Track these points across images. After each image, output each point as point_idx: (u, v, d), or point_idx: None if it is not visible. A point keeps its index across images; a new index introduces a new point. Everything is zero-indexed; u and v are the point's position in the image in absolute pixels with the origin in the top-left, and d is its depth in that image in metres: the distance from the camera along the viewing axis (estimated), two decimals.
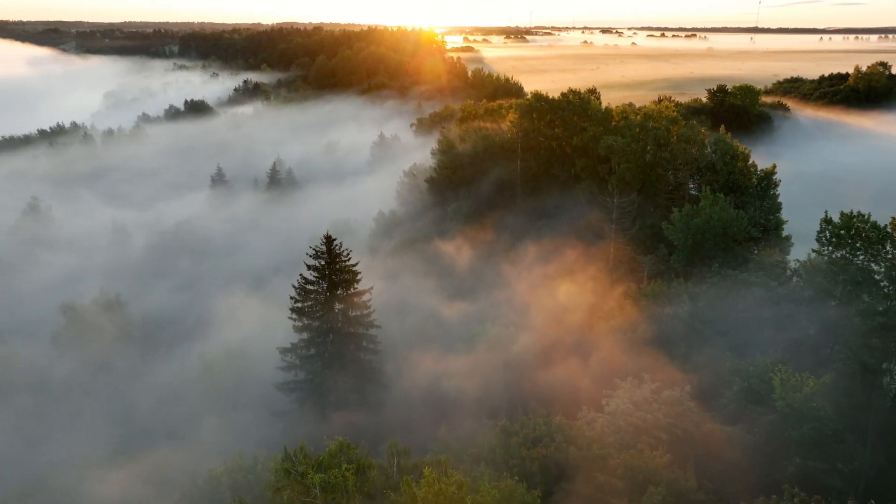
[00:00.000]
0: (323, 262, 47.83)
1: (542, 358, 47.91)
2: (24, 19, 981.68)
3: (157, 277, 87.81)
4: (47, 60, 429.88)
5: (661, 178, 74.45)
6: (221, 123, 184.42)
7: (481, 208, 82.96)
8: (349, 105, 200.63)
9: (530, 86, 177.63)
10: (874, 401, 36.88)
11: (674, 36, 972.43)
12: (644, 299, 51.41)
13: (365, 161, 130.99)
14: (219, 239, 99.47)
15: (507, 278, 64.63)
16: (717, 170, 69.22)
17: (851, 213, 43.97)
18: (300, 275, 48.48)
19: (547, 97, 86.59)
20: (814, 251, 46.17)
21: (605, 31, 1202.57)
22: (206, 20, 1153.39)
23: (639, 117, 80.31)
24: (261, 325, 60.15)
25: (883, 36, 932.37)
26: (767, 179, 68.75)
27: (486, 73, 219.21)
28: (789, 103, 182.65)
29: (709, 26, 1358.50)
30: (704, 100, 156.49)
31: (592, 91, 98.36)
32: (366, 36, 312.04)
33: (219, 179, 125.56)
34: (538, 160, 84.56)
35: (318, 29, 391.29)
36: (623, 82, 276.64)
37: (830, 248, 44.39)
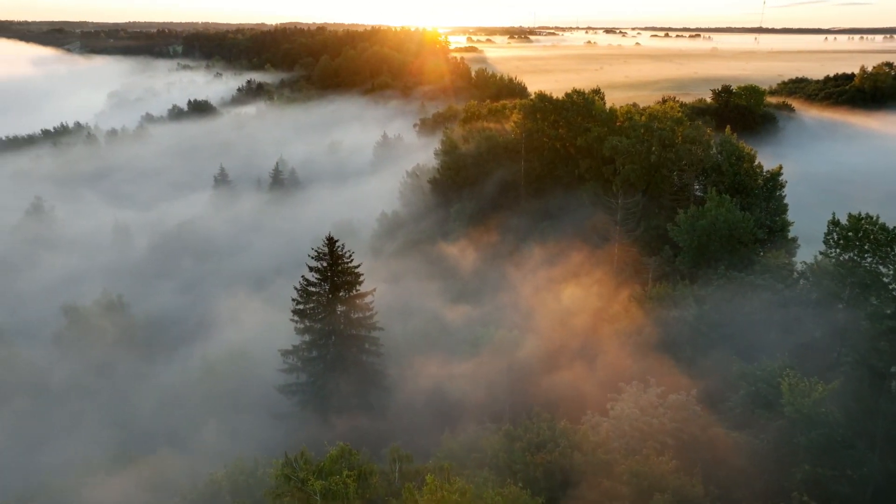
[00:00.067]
0: (325, 264, 47.57)
1: (547, 362, 47.50)
2: (29, 19, 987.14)
3: (160, 278, 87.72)
4: (51, 60, 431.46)
5: (666, 179, 73.92)
6: (225, 123, 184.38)
7: (485, 209, 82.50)
8: (352, 105, 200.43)
9: (534, 86, 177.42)
10: (883, 405, 36.25)
11: (677, 36, 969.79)
12: (649, 302, 50.98)
13: (368, 161, 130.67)
14: (221, 239, 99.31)
15: (510, 281, 64.23)
16: (723, 171, 68.70)
17: (859, 214, 43.58)
18: (302, 276, 48.22)
19: (551, 97, 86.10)
20: (821, 253, 45.78)
21: (608, 31, 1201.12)
22: (210, 20, 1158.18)
23: (643, 118, 79.80)
24: (263, 326, 59.91)
25: (888, 36, 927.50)
26: (773, 180, 68.23)
27: (490, 73, 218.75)
28: (794, 104, 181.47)
29: (713, 26, 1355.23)
30: (709, 100, 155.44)
31: (596, 91, 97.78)
32: (369, 36, 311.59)
33: (222, 180, 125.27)
34: (542, 161, 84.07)
35: (321, 29, 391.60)
36: (627, 82, 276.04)
37: (838, 250, 44.02)
